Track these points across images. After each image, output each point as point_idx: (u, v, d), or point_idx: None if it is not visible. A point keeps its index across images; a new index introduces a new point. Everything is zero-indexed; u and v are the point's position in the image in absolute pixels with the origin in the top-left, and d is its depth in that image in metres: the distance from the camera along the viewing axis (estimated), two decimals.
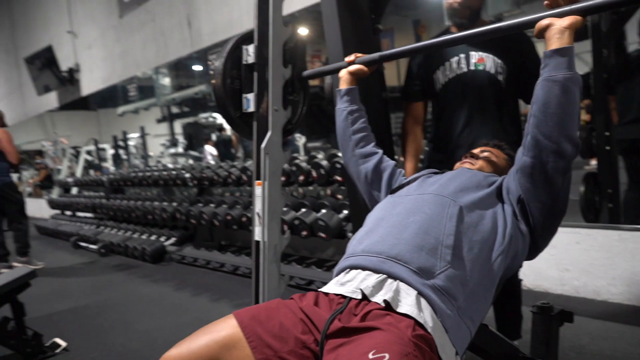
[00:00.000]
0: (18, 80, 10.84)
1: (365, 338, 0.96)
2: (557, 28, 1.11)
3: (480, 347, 1.54)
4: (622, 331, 2.38)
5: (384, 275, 1.09)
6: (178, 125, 14.42)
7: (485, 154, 1.50)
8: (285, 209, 3.75)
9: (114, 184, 6.53)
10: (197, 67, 14.25)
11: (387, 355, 0.88)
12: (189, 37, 5.79)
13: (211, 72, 1.93)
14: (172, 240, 5.09)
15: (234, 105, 1.83)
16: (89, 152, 11.55)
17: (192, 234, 5.14)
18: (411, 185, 1.36)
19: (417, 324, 0.99)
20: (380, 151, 1.59)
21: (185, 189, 5.78)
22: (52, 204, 8.52)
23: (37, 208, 10.25)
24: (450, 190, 1.25)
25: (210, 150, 10.12)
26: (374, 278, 1.09)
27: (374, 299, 1.05)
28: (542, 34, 1.15)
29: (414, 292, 1.04)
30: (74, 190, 8.71)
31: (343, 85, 1.62)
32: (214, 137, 12.05)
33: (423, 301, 1.04)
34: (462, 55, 1.83)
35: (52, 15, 9.03)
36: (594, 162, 3.99)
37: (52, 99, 9.50)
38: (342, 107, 1.61)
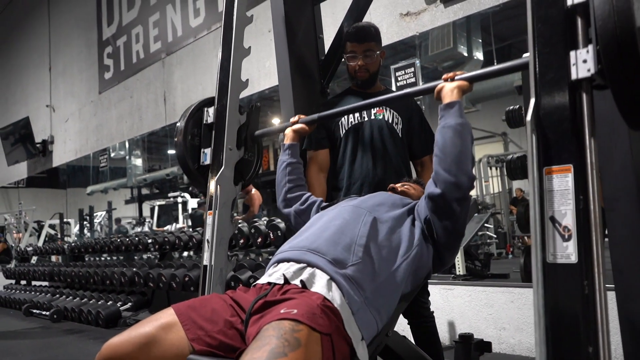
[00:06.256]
0: None
1: (281, 304, 1.13)
2: (448, 88, 1.46)
3: None
4: None
5: (304, 264, 1.28)
6: (146, 207, 14.46)
7: (406, 186, 1.75)
8: (231, 261, 3.87)
9: (75, 251, 6.50)
10: (171, 151, 14.60)
11: (295, 310, 1.06)
12: (164, 112, 6.13)
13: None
14: (128, 305, 5.05)
15: (193, 159, 2.09)
16: (52, 227, 11.42)
17: (148, 300, 5.13)
18: (337, 204, 1.59)
19: (326, 299, 1.16)
20: (309, 193, 1.84)
21: (147, 257, 5.80)
22: (7, 274, 8.29)
23: None
24: (369, 205, 1.48)
25: (177, 227, 10.16)
26: (296, 266, 1.28)
27: (293, 282, 1.23)
28: (439, 95, 1.49)
29: (326, 277, 1.23)
30: (33, 260, 8.54)
31: (287, 141, 1.89)
32: (181, 217, 12.13)
33: (334, 285, 1.22)
34: None
35: (32, 90, 9.38)
36: None
37: (21, 169, 9.57)
38: (283, 159, 1.88)
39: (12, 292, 7.17)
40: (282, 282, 1.25)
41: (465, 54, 6.87)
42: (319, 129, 2.17)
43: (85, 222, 11.32)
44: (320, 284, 1.21)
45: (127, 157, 12.49)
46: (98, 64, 7.51)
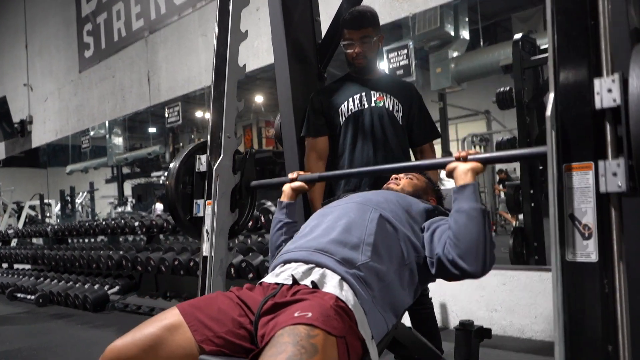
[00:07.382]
0: None
1: (293, 306, 1.10)
2: (462, 169, 1.37)
3: (405, 351, 1.68)
4: None
5: (313, 265, 1.25)
6: (127, 187, 14.27)
7: (408, 176, 1.72)
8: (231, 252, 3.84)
9: (59, 234, 6.38)
10: (152, 129, 14.36)
11: (310, 314, 1.03)
12: (148, 92, 5.99)
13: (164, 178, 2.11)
14: (116, 289, 4.99)
15: (184, 209, 2.01)
16: (32, 208, 11.21)
17: (136, 283, 5.08)
18: (341, 200, 1.56)
19: (339, 299, 1.14)
20: None
21: (133, 239, 5.73)
22: None
23: None
24: (374, 201, 1.44)
25: (160, 207, 10.05)
26: (304, 267, 1.25)
27: (303, 283, 1.20)
28: (451, 174, 1.41)
29: (337, 277, 1.20)
30: (14, 243, 8.39)
31: (284, 199, 1.76)
32: None
33: (345, 285, 1.19)
34: (363, 93, 2.09)
35: (8, 68, 9.10)
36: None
37: None
38: (279, 218, 1.75)
39: None
40: (290, 282, 1.22)
41: (452, 34, 6.83)
42: (317, 115, 2.13)
43: (67, 204, 11.13)
44: (331, 284, 1.18)
45: (107, 136, 12.25)
46: (77, 41, 7.29)
